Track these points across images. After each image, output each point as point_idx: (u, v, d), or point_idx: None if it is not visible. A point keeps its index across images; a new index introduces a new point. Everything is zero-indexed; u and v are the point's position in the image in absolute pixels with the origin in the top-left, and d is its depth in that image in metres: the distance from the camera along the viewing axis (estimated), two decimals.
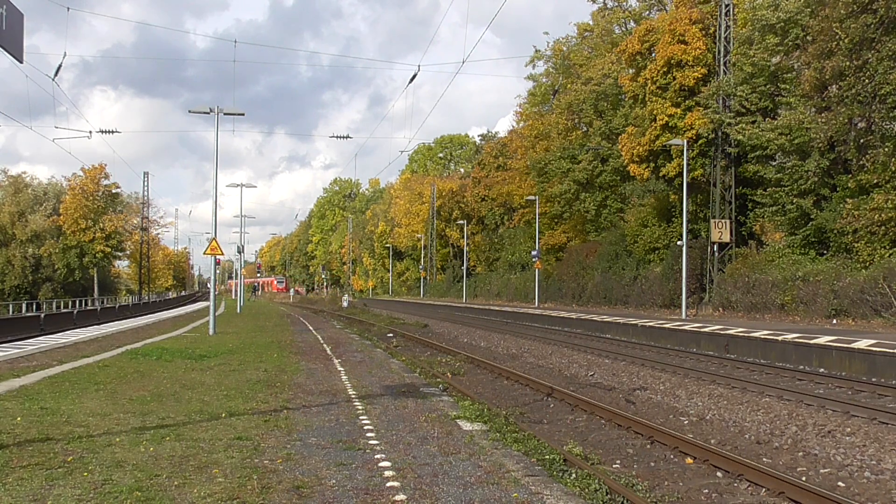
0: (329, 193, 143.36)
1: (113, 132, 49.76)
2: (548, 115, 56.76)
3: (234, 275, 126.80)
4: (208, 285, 60.42)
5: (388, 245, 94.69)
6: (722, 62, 33.48)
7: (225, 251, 34.66)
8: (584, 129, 50.70)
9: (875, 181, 25.96)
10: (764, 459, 9.39)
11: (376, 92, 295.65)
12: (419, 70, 34.63)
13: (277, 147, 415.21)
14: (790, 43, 30.07)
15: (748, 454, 9.59)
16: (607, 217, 47.90)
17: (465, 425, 9.08)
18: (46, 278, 71.13)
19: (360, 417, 9.42)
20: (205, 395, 11.17)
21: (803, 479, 8.36)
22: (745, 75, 32.61)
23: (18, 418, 8.92)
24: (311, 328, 32.16)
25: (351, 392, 11.78)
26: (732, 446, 10.15)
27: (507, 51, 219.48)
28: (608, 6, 52.06)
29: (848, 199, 26.87)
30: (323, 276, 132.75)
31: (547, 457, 8.26)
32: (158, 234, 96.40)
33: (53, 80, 32.69)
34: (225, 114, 25.90)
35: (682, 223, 32.30)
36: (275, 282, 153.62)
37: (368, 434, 8.37)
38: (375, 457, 7.25)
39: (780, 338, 19.98)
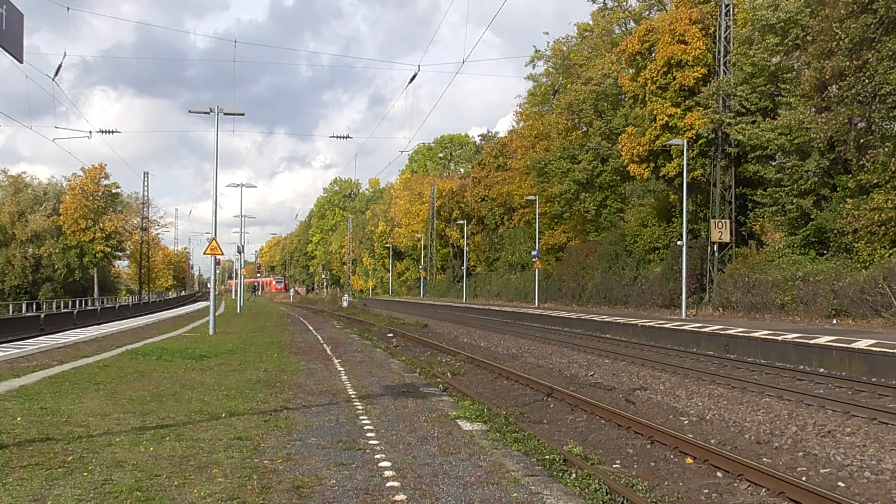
0: (329, 193, 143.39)
1: (113, 132, 49.79)
2: (548, 115, 56.76)
3: (234, 275, 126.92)
4: (208, 285, 60.45)
5: (388, 245, 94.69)
6: (722, 62, 33.48)
7: (225, 251, 34.69)
8: (584, 129, 50.70)
9: (875, 181, 25.98)
10: (764, 459, 9.39)
11: (376, 92, 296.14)
12: (419, 70, 34.74)
13: (277, 147, 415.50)
14: (790, 43, 30.09)
15: (748, 454, 9.59)
16: (607, 217, 47.90)
17: (465, 425, 9.08)
18: (46, 278, 71.13)
19: (360, 417, 9.42)
20: (205, 395, 11.17)
21: (803, 479, 8.36)
22: (745, 75, 32.63)
23: (18, 418, 8.92)
24: (310, 328, 32.16)
25: (351, 392, 11.78)
26: (732, 446, 10.15)
27: (507, 51, 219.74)
28: (608, 6, 52.08)
29: (848, 199, 26.88)
30: (323, 277, 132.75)
31: (547, 457, 8.27)
32: (158, 234, 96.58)
33: (53, 80, 32.77)
34: (225, 114, 25.94)
35: (682, 223, 32.30)
36: (273, 282, 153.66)
37: (368, 434, 8.37)
38: (375, 457, 7.25)
39: (780, 338, 19.98)
